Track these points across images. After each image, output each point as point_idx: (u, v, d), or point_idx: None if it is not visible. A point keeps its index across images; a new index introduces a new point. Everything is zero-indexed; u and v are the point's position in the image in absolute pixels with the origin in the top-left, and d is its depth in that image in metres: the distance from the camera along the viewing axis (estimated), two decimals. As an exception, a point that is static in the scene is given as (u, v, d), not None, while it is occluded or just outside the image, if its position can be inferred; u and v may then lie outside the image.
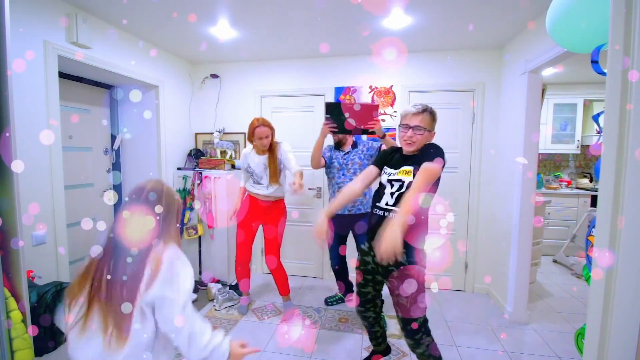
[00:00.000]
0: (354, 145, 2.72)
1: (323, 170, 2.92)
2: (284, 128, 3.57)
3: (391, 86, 3.36)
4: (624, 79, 0.82)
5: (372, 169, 1.87)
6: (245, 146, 3.50)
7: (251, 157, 2.71)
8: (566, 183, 4.69)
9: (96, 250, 1.06)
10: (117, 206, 3.23)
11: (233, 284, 3.21)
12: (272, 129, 2.61)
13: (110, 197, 3.08)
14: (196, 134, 3.76)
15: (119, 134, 3.20)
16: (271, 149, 2.64)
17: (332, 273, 3.05)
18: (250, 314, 2.86)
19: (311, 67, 3.50)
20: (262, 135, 2.56)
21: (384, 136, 2.40)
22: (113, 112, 3.19)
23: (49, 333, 1.69)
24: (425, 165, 1.58)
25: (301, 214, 3.52)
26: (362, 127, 2.33)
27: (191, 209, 3.29)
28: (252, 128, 2.57)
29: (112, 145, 3.19)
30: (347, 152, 2.69)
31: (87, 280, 1.04)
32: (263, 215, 2.73)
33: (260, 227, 2.84)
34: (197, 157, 3.58)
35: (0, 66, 1.20)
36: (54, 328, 1.72)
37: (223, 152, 3.50)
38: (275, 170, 2.63)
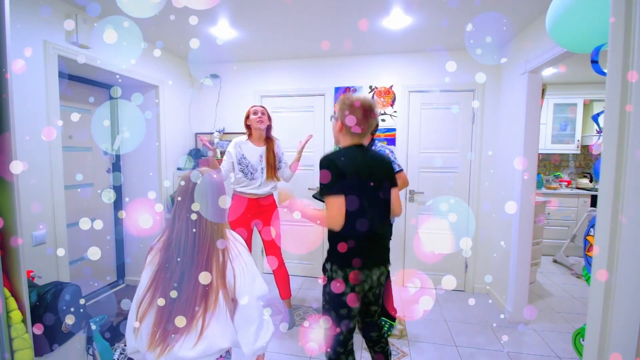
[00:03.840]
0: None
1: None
2: (284, 128, 3.57)
3: (391, 86, 3.36)
4: (624, 79, 0.82)
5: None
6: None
7: (245, 146, 2.60)
8: (566, 183, 4.69)
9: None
10: (116, 205, 3.23)
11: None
12: (269, 114, 2.63)
13: (109, 197, 3.08)
14: (196, 134, 3.76)
15: (119, 134, 3.20)
16: (268, 141, 2.63)
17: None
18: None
19: (311, 67, 3.50)
20: (257, 110, 2.55)
21: None
22: (113, 112, 3.19)
23: (50, 334, 1.69)
24: (324, 214, 1.46)
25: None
26: None
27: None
28: (247, 111, 2.60)
29: (112, 145, 3.19)
30: None
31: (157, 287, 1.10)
32: (256, 214, 2.64)
33: (255, 229, 2.77)
34: (197, 157, 3.58)
35: (0, 67, 1.20)
36: (55, 328, 1.72)
37: (223, 153, 3.50)
38: (273, 164, 2.59)
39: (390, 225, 1.64)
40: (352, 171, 1.43)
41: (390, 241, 2.53)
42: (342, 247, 1.47)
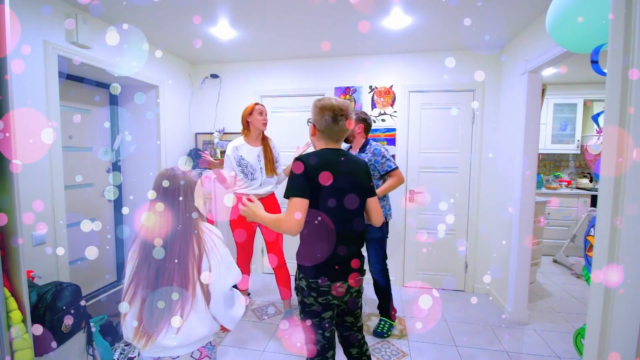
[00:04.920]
0: (363, 147, 2.46)
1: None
2: (284, 128, 3.58)
3: (391, 86, 3.36)
4: (624, 78, 0.82)
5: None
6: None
7: (243, 148, 2.63)
8: (566, 183, 4.69)
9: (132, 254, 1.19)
10: (117, 204, 3.23)
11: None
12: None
13: (110, 196, 3.08)
14: (196, 134, 3.76)
15: (119, 134, 3.20)
16: (264, 140, 2.68)
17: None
18: (250, 314, 2.86)
19: (311, 67, 3.50)
20: (262, 110, 2.59)
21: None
22: (113, 112, 3.19)
23: (50, 334, 1.69)
24: (282, 217, 1.40)
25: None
26: None
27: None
28: (251, 107, 2.60)
29: (112, 145, 3.19)
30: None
31: (138, 280, 1.15)
32: None
33: (257, 228, 2.79)
34: (197, 157, 3.58)
35: (0, 67, 1.20)
36: (55, 328, 1.72)
37: (223, 152, 3.50)
38: (271, 159, 2.65)
39: (363, 232, 1.56)
40: (321, 174, 1.36)
41: (388, 239, 2.56)
42: (306, 257, 1.44)
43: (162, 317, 1.11)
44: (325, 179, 1.37)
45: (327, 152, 1.48)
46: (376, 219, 1.60)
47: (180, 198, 1.18)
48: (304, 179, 1.36)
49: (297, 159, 1.41)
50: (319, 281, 1.43)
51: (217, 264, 1.17)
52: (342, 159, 1.49)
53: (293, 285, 1.59)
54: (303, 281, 1.47)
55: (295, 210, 1.34)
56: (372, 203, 1.57)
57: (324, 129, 1.48)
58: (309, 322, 1.51)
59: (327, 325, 1.50)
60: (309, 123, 1.54)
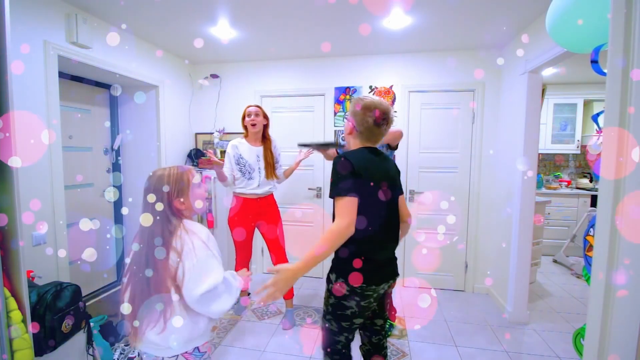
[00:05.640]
0: None
1: (322, 169, 2.89)
2: (284, 128, 3.57)
3: (391, 86, 3.36)
4: (624, 78, 0.82)
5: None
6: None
7: (242, 146, 2.63)
8: (566, 183, 4.69)
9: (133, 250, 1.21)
10: (117, 204, 3.23)
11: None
12: (264, 113, 2.65)
13: (111, 196, 3.08)
14: (196, 134, 3.76)
15: (119, 134, 3.20)
16: (265, 141, 2.66)
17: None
18: (250, 314, 2.86)
19: (311, 67, 3.50)
20: (251, 112, 2.58)
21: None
22: (113, 112, 3.19)
23: (49, 332, 1.69)
24: (331, 227, 1.29)
25: (303, 214, 3.53)
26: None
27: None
28: (244, 111, 2.63)
29: (112, 145, 3.19)
30: None
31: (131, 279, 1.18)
32: (257, 214, 2.65)
33: (256, 227, 2.77)
34: (197, 157, 3.58)
35: (0, 67, 1.20)
36: (54, 327, 1.72)
37: (223, 152, 3.50)
38: (271, 161, 2.63)
39: (399, 231, 1.56)
40: (367, 173, 1.34)
41: None
42: (350, 260, 1.36)
43: (143, 316, 1.14)
44: (372, 178, 1.36)
45: (368, 151, 1.44)
46: (407, 215, 1.62)
47: (170, 197, 1.21)
48: (352, 178, 1.31)
49: (341, 156, 1.37)
50: (365, 285, 1.37)
51: (191, 268, 1.12)
52: (382, 158, 1.49)
53: (325, 287, 1.51)
54: (346, 286, 1.39)
55: (348, 210, 1.29)
56: (402, 200, 1.60)
57: (363, 130, 1.44)
58: (336, 325, 1.46)
59: (354, 329, 1.49)
60: (345, 120, 1.52)
